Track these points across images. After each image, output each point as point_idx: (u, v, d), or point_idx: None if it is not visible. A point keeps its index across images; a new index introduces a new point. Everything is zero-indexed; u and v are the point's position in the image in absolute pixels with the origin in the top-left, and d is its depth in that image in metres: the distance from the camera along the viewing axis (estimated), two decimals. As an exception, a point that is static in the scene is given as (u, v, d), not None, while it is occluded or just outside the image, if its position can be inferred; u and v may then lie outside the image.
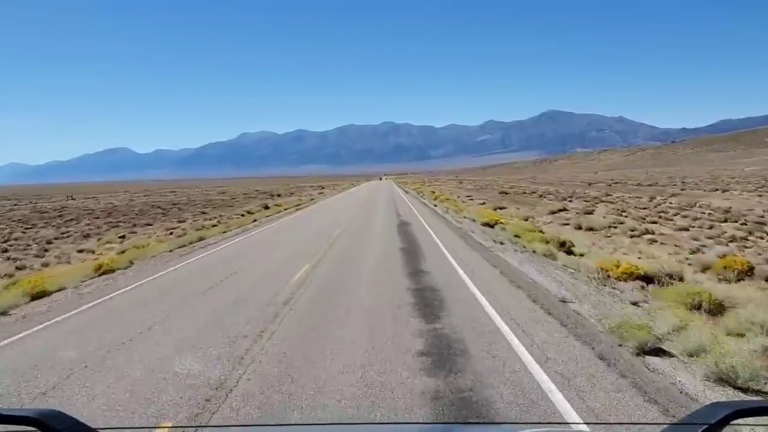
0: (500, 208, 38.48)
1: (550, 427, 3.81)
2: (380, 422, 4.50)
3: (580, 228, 25.60)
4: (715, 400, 4.28)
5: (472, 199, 51.08)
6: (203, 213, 46.70)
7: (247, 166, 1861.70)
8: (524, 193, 55.35)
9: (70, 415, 1.36)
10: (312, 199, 55.96)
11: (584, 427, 4.45)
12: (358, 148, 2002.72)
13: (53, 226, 38.66)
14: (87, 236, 30.27)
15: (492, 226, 22.83)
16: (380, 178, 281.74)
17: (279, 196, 77.44)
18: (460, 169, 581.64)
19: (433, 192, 62.30)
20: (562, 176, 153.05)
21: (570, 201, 42.66)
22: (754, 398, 5.03)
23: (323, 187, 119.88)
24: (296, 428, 3.50)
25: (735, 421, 1.28)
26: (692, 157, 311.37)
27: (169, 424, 4.67)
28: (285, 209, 41.08)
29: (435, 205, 38.05)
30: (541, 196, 48.87)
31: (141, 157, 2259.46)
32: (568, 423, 4.46)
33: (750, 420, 1.34)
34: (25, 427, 1.28)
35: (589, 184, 65.93)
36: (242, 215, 40.09)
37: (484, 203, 45.76)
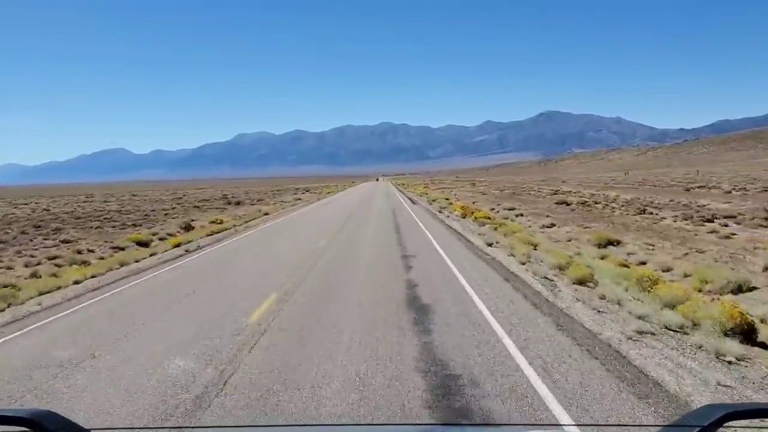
0: (612, 243, 18.78)
1: (539, 429, 3.49)
2: (374, 423, 4.39)
3: None
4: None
5: (522, 215, 31.31)
6: (66, 243, 26.91)
7: (245, 166, 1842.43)
8: (596, 204, 35.54)
9: (63, 416, 1.33)
10: (266, 214, 36.37)
11: (575, 428, 4.21)
12: (356, 148, 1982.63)
13: None
14: None
15: None
16: (377, 179, 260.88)
17: (239, 204, 57.65)
18: (460, 170, 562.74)
19: (450, 201, 42.26)
20: (593, 176, 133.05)
21: (722, 225, 22.99)
22: (749, 401, 4.39)
23: (307, 191, 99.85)
24: (294, 428, 3.40)
25: (729, 423, 1.28)
26: (710, 156, 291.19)
27: (159, 425, 4.49)
28: (188, 240, 21.49)
29: (491, 244, 17.65)
30: (643, 211, 28.73)
31: (138, 157, 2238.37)
32: (561, 425, 4.29)
33: (744, 422, 1.33)
34: (18, 427, 1.26)
35: (687, 189, 45.61)
36: (120, 249, 21.42)
37: (552, 225, 26.09)
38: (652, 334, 7.49)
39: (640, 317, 8.20)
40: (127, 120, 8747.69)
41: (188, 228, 31.97)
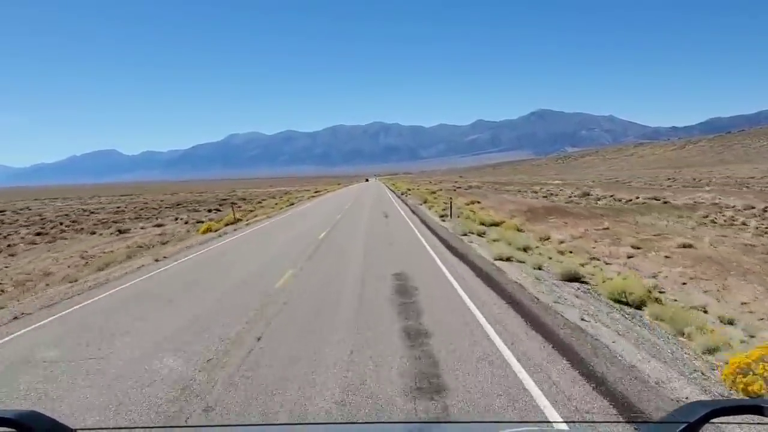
0: None
1: (530, 426, 3.53)
2: (365, 422, 4.45)
3: None
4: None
5: None
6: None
7: (237, 166, 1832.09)
8: None
9: (48, 416, 1.34)
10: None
11: (564, 425, 4.32)
12: (348, 148, 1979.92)
13: None
14: None
15: None
16: (366, 180, 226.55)
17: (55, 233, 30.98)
18: (456, 169, 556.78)
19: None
20: (673, 174, 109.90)
21: None
22: (734, 398, 4.54)
23: (234, 203, 54.64)
24: (290, 428, 3.55)
25: (714, 420, 1.31)
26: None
27: (153, 425, 4.41)
28: None
29: None
30: None
31: (129, 159, 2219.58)
32: (549, 422, 4.39)
33: (729, 418, 1.41)
34: (4, 428, 1.26)
35: None
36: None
37: None
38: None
39: None
40: (118, 121, 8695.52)
41: None
